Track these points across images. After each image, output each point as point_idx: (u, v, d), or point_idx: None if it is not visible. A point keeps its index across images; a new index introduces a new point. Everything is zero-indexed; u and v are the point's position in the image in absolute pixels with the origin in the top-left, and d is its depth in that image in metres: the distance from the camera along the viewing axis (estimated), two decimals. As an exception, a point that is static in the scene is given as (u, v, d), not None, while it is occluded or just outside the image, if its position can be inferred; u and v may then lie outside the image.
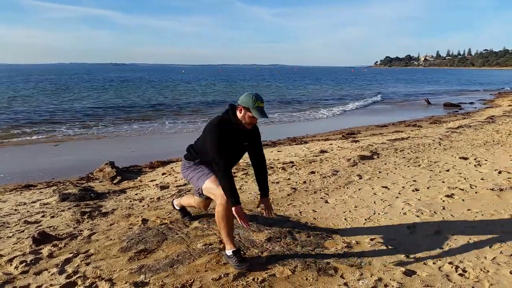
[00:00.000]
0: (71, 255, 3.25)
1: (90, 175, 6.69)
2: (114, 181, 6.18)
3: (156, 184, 5.77)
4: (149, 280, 2.80)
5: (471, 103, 21.50)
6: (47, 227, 3.93)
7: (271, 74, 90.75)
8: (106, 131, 12.77)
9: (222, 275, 2.85)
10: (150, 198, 4.96)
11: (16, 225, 4.06)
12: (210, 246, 3.34)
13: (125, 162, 7.55)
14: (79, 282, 2.81)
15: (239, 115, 3.04)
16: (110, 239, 3.57)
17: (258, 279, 2.81)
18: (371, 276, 2.85)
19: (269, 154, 8.06)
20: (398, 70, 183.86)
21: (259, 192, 3.44)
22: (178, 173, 6.68)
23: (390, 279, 2.81)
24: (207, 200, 3.57)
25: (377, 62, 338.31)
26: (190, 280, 2.79)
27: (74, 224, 4.01)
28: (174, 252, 3.26)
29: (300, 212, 4.39)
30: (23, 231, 3.87)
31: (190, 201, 3.76)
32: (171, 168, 7.20)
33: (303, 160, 7.04)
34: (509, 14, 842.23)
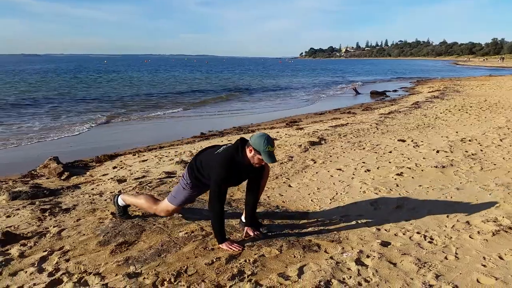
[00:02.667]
0: (45, 253, 3.08)
1: (33, 172, 6.24)
2: (62, 177, 5.84)
3: (111, 178, 5.56)
4: (141, 271, 2.76)
5: (395, 90, 23.12)
6: (6, 227, 3.65)
7: (200, 65, 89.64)
8: (34, 126, 11.81)
9: (214, 259, 2.90)
10: (111, 192, 4.79)
11: (-32, 227, 3.72)
12: (192, 234, 3.35)
13: (67, 158, 7.14)
14: (65, 279, 2.69)
15: (248, 154, 3.05)
16: (83, 234, 3.42)
17: (249, 260, 2.90)
18: (352, 249, 3.07)
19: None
20: (322, 60, 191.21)
21: (244, 220, 3.42)
22: (130, 166, 6.49)
23: (370, 250, 3.04)
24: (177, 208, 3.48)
25: (302, 53, 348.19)
26: (184, 266, 2.80)
27: (36, 222, 3.76)
28: (156, 242, 3.22)
29: (268, 197, 4.53)
30: (-22, 233, 3.56)
31: (149, 206, 3.54)
32: (121, 161, 6.96)
33: (256, 147, 7.18)
34: (419, 7, 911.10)
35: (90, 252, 3.09)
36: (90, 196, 4.65)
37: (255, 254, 2.99)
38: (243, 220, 3.46)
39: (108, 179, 5.51)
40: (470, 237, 3.22)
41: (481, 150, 6.32)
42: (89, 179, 5.76)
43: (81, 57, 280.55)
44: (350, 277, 2.66)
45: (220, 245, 3.07)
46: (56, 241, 3.31)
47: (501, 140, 7.06)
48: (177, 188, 3.42)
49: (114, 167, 6.45)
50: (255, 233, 3.32)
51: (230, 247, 3.05)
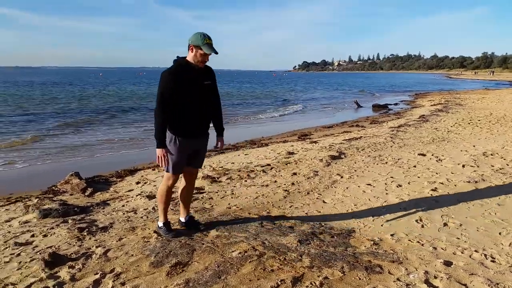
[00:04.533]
0: (97, 276, 2.97)
1: (54, 188, 6.10)
2: (86, 193, 5.70)
3: (139, 194, 5.44)
4: (207, 294, 2.65)
5: (396, 104, 23.24)
6: (46, 247, 3.53)
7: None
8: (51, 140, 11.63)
9: (279, 282, 2.80)
10: (144, 209, 4.67)
11: (6, 248, 3.58)
12: (245, 254, 3.25)
13: (85, 173, 7.00)
14: (129, 304, 2.57)
15: (190, 55, 3.26)
16: (131, 254, 3.31)
17: (315, 283, 2.80)
18: (416, 270, 2.99)
19: (238, 157, 8.02)
20: (316, 74, 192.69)
21: (216, 134, 3.75)
22: (153, 181, 6.37)
23: (435, 271, 2.96)
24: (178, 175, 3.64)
25: (295, 66, 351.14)
26: (250, 290, 2.69)
27: (76, 242, 3.64)
28: (211, 263, 3.12)
29: (306, 213, 4.44)
30: (19, 254, 3.43)
31: (161, 198, 3.67)
32: (142, 176, 6.83)
33: (278, 162, 7.11)
34: (410, 21, 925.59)
35: (145, 275, 2.98)
36: (124, 214, 4.53)
37: (318, 276, 2.89)
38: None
39: (136, 195, 5.38)
40: (537, 255, 3.16)
41: (507, 165, 6.29)
42: (114, 195, 5.63)
43: (75, 70, 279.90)
44: (426, 300, 2.57)
45: (157, 149, 3.31)
46: (104, 262, 3.19)
47: (523, 154, 7.06)
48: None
49: (138, 182, 6.33)
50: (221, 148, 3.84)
51: (162, 156, 3.31)
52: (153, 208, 4.67)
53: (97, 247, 3.50)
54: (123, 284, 2.85)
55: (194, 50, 3.22)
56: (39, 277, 2.94)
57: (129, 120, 16.53)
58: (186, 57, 3.33)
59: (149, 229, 3.91)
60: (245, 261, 3.13)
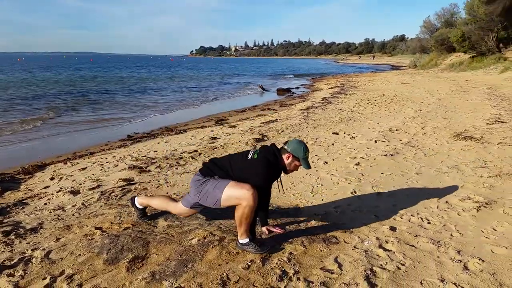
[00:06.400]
0: (46, 280, 2.66)
1: None
2: (-7, 194, 5.01)
3: (60, 191, 4.93)
4: (180, 284, 2.54)
5: (297, 88, 24.35)
6: (-31, 259, 3.04)
7: (85, 63, 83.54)
8: None
9: (249, 262, 2.79)
10: (73, 205, 4.26)
11: None
12: (205, 240, 3.17)
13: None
14: (95, 306, 2.35)
15: (286, 161, 3.07)
16: (79, 254, 3.02)
17: (283, 259, 2.86)
18: (367, 237, 3.22)
19: (159, 145, 7.73)
20: (214, 59, 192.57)
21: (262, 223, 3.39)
22: (70, 175, 5.83)
23: (385, 236, 3.23)
24: (193, 210, 3.34)
25: (192, 51, 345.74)
26: (223, 274, 2.65)
27: (4, 248, 3.19)
28: (171, 253, 2.99)
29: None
30: None
31: (166, 206, 3.47)
32: (54, 171, 6.20)
33: (205, 148, 7.01)
34: (298, 9, 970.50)
35: (102, 273, 2.75)
36: (50, 212, 4.08)
37: (283, 253, 2.96)
38: None
39: (57, 192, 4.88)
40: (458, 214, 3.61)
41: (412, 138, 7.05)
42: (29, 193, 5.03)
43: None
44: (386, 262, 2.79)
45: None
46: (50, 265, 2.87)
47: (422, 128, 7.96)
48: (206, 192, 3.06)
49: (52, 178, 5.73)
50: (276, 229, 3.35)
51: (276, 230, 3.29)
52: (83, 204, 4.29)
53: (33, 250, 3.12)
54: (80, 285, 2.59)
55: (290, 159, 3.06)
56: (-27, 292, 2.53)
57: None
58: (281, 157, 3.08)
59: (87, 226, 3.59)
60: (207, 247, 3.05)
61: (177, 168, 5.69)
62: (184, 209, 3.32)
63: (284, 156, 3.06)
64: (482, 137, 6.84)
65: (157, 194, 4.14)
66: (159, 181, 5.07)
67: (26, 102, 16.86)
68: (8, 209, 4.30)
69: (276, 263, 2.80)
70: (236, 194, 2.87)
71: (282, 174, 3.24)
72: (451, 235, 3.21)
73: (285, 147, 3.07)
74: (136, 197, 3.69)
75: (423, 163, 5.43)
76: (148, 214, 3.71)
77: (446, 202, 3.95)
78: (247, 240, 2.96)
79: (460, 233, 3.23)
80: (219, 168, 3.09)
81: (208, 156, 6.36)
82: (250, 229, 2.99)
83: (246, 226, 2.93)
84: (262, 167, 2.96)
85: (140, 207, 3.62)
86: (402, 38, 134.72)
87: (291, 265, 2.78)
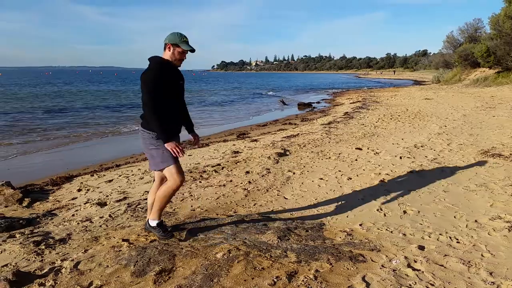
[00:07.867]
0: (75, 292, 2.70)
1: (-19, 200, 5.40)
2: (24, 204, 5.15)
3: (87, 202, 5.04)
4: (207, 299, 2.55)
5: (318, 102, 24.34)
6: (2, 266, 3.13)
7: (109, 76, 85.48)
8: None
9: (275, 279, 2.78)
10: (100, 217, 4.34)
11: (-51, 271, 3.10)
12: (230, 255, 3.18)
13: (14, 181, 6.32)
14: (124, 319, 2.38)
15: (168, 54, 3.26)
16: (107, 266, 3.07)
17: (309, 276, 2.83)
18: (396, 256, 3.16)
19: (181, 159, 7.76)
20: (235, 74, 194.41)
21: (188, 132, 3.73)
22: (96, 187, 5.96)
23: (413, 255, 3.17)
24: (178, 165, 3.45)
25: (214, 66, 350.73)
26: (249, 290, 2.64)
27: (35, 257, 3.28)
28: (197, 267, 3.01)
29: (272, 210, 4.47)
30: (-31, 277, 2.99)
31: (162, 193, 3.41)
32: (81, 183, 6.34)
33: (227, 161, 7.05)
34: (319, 24, 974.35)
35: (130, 285, 2.78)
36: (78, 223, 4.17)
37: (309, 270, 2.94)
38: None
39: (84, 203, 4.98)
40: (489, 234, 3.51)
41: (438, 155, 6.92)
42: (57, 204, 5.16)
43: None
44: (415, 282, 2.74)
45: (166, 144, 3.22)
46: (79, 276, 2.92)
47: (448, 145, 7.82)
48: (154, 158, 3.37)
49: (79, 190, 5.86)
50: (198, 144, 3.82)
51: (176, 148, 3.23)
52: (110, 215, 4.36)
53: (62, 260, 3.19)
54: (108, 298, 2.63)
55: (172, 49, 3.25)
56: (6, 301, 2.60)
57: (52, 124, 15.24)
58: (162, 57, 3.32)
59: (114, 238, 3.65)
60: (232, 262, 3.06)
61: (200, 182, 5.74)
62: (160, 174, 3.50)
63: (167, 50, 3.25)
64: (511, 154, 6.67)
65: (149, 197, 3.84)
66: (183, 194, 5.12)
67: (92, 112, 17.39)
68: (38, 219, 4.42)
69: (302, 280, 2.78)
70: (173, 175, 3.32)
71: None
72: (482, 255, 3.13)
73: (165, 41, 3.25)
74: (148, 221, 3.61)
75: (450, 180, 5.32)
76: (169, 227, 3.71)
77: (476, 221, 3.85)
78: (155, 223, 3.48)
79: (492, 254, 3.14)
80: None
81: (231, 170, 6.39)
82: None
83: (161, 206, 3.42)
84: (149, 72, 3.19)
85: (155, 222, 3.53)
86: (424, 53, 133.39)
87: (317, 283, 2.75)
